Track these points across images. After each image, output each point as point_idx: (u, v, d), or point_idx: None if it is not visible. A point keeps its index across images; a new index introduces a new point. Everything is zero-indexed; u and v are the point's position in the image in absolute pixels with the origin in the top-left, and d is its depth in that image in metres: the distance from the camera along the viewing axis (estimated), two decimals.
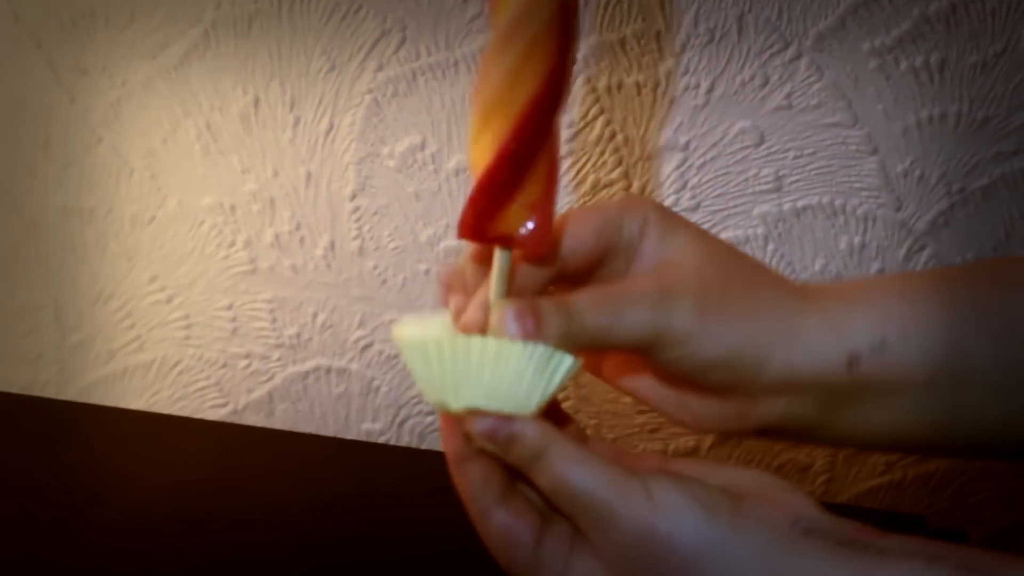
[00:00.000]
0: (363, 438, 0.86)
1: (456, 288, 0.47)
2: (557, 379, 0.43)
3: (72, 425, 0.78)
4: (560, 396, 0.71)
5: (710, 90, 0.71)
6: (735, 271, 0.48)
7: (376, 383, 0.84)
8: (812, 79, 0.70)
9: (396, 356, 0.83)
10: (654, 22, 0.69)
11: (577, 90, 0.71)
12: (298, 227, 0.79)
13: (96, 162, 0.79)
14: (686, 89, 0.71)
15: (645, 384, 0.51)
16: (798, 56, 0.69)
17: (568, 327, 0.43)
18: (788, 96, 0.71)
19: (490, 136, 0.42)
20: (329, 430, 0.86)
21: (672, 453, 0.84)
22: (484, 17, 0.71)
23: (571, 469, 0.42)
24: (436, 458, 0.81)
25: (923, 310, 0.47)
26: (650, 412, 0.82)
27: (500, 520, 0.44)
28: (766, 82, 0.70)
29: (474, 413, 0.43)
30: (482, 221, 0.42)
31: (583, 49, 0.70)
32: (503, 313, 0.43)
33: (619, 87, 0.71)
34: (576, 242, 0.46)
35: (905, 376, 0.46)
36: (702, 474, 0.44)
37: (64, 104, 0.77)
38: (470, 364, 0.42)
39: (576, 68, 0.66)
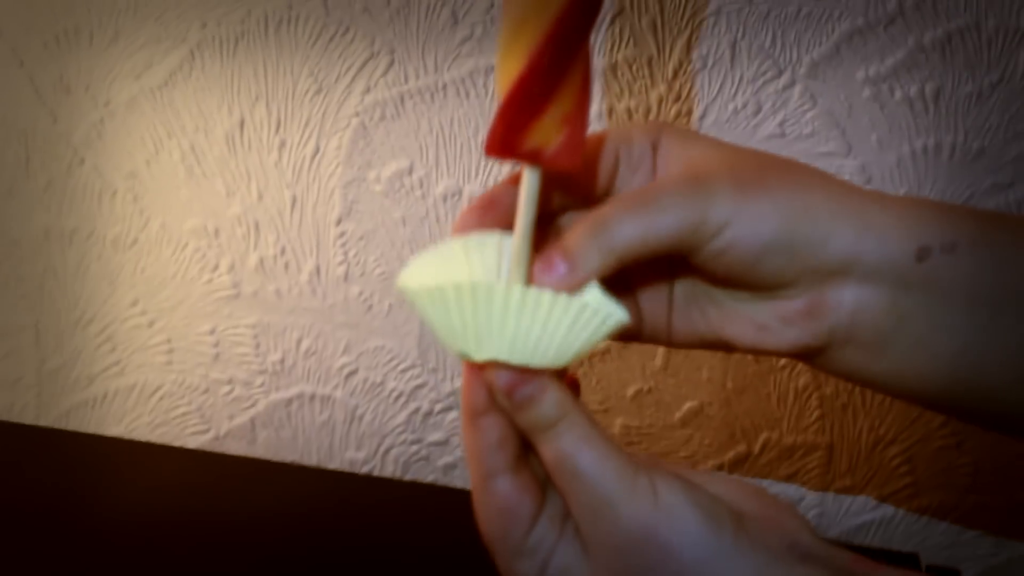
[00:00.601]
0: (346, 467, 0.85)
1: (490, 211, 0.44)
2: (594, 334, 0.40)
3: (50, 452, 0.76)
4: None
5: (702, 117, 0.70)
6: (771, 159, 0.45)
7: (360, 411, 0.82)
8: (805, 107, 0.69)
9: (381, 384, 0.81)
10: (645, 48, 0.68)
11: None
12: (283, 252, 0.77)
13: (78, 183, 0.77)
14: (678, 116, 0.70)
15: (700, 315, 0.48)
16: (791, 84, 0.68)
17: (604, 246, 0.40)
18: (781, 124, 0.69)
19: (522, 45, 0.39)
20: (312, 458, 0.85)
21: None
22: (474, 40, 0.69)
23: (581, 448, 0.40)
24: (419, 490, 0.80)
25: (994, 229, 0.43)
26: (638, 442, 0.80)
27: (503, 489, 0.42)
28: (759, 110, 0.69)
29: (495, 365, 0.40)
30: (511, 135, 0.39)
31: None
32: (542, 257, 0.40)
33: (610, 113, 0.70)
34: (589, 163, 0.44)
35: (972, 290, 0.42)
36: (702, 481, 0.42)
37: (46, 123, 0.76)
38: (492, 313, 0.39)
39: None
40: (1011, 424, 0.46)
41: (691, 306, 0.48)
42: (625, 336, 0.48)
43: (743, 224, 0.42)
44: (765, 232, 0.42)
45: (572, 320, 0.39)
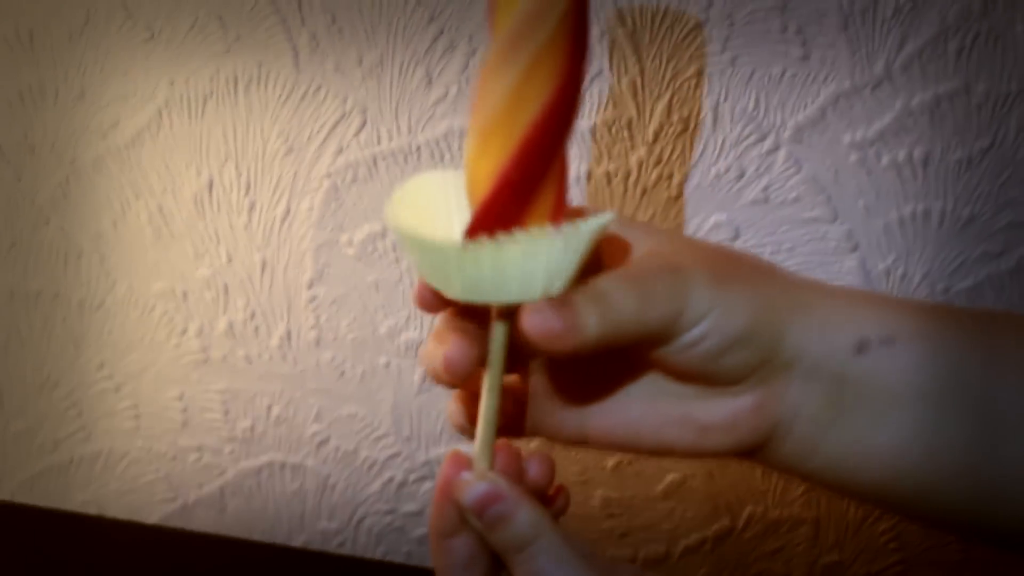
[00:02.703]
0: (318, 538, 0.81)
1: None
2: (586, 249, 0.38)
3: (10, 527, 0.73)
4: None
5: (684, 181, 0.66)
6: (724, 251, 0.44)
7: (332, 480, 0.78)
8: (790, 172, 0.66)
9: (354, 452, 0.77)
10: (625, 110, 0.65)
11: None
12: (253, 316, 0.74)
13: (43, 244, 0.74)
14: (659, 180, 0.66)
15: (641, 415, 0.46)
16: (776, 148, 0.65)
17: (607, 316, 0.39)
18: (765, 189, 0.66)
19: (489, 162, 0.37)
20: (283, 528, 0.81)
21: (642, 560, 0.79)
22: (448, 101, 0.66)
23: (556, 572, 0.38)
24: (389, 571, 0.76)
25: (933, 323, 0.43)
26: (619, 515, 0.77)
27: None
28: (742, 174, 0.66)
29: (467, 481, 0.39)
30: None
31: None
32: (535, 306, 0.38)
33: (588, 177, 0.67)
34: None
35: (910, 384, 0.42)
36: None
37: (10, 182, 0.72)
38: (481, 270, 0.37)
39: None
40: (954, 522, 0.45)
41: (616, 404, 0.46)
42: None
43: (717, 317, 0.41)
44: (735, 327, 0.41)
45: (567, 248, 0.37)
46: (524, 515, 0.39)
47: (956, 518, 0.44)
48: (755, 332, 0.41)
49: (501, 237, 0.36)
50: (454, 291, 0.38)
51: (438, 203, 0.42)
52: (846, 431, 0.43)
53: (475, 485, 0.40)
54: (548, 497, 0.45)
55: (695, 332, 0.41)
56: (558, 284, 0.38)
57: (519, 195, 0.37)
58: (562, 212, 0.39)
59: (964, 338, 0.43)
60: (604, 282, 0.40)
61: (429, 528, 0.41)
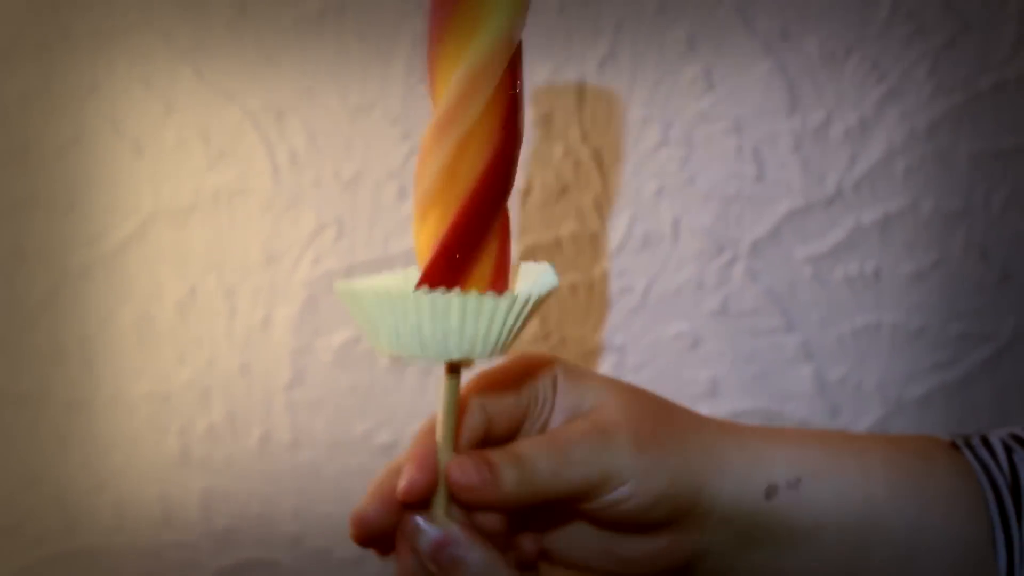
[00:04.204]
0: None
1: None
2: (528, 313, 0.40)
3: None
4: None
5: (645, 293, 0.68)
6: (656, 408, 0.46)
7: None
8: (747, 285, 0.68)
9: (330, 550, 0.78)
10: (588, 224, 0.67)
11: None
12: (232, 417, 0.75)
13: (32, 346, 0.76)
14: (621, 291, 0.68)
15: (567, 546, 0.48)
16: (733, 261, 0.67)
17: (525, 479, 0.41)
18: (724, 301, 0.68)
19: (429, 232, 0.39)
20: None
21: None
22: None
23: None
24: None
25: (838, 459, 0.46)
26: None
27: None
28: (701, 286, 0.68)
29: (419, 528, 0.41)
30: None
31: (520, 244, 0.68)
32: (459, 461, 0.40)
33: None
34: (500, 403, 0.44)
35: (818, 519, 0.45)
36: None
37: (1, 287, 0.74)
38: (424, 326, 0.39)
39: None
40: None
41: (547, 536, 0.48)
42: None
43: (639, 481, 0.43)
44: (655, 489, 0.43)
45: (509, 312, 0.39)
46: (477, 557, 0.40)
47: None
48: (674, 493, 0.44)
49: (446, 293, 0.38)
50: (399, 348, 0.40)
51: (388, 286, 0.44)
52: (756, 560, 0.46)
53: (429, 531, 0.41)
54: (508, 540, 0.46)
55: (616, 494, 0.43)
56: (500, 344, 0.40)
57: (459, 260, 0.39)
58: (504, 276, 0.41)
59: (867, 471, 0.45)
60: (526, 446, 0.42)
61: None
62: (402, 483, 0.41)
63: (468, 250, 0.39)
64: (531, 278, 0.43)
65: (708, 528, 0.45)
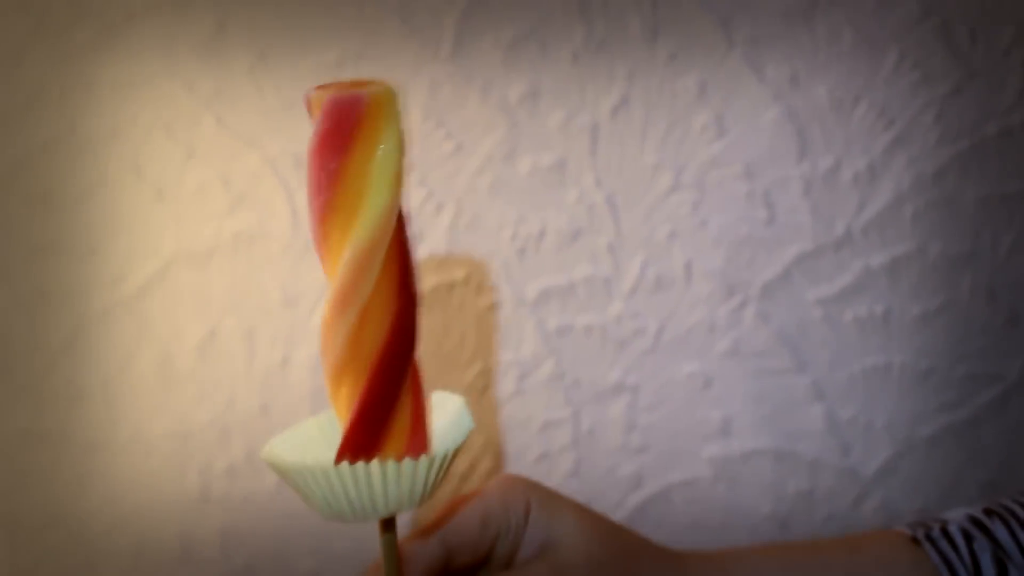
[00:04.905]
0: None
1: None
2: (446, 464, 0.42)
3: None
4: None
5: (658, 334, 0.69)
6: (619, 547, 0.47)
7: None
8: (758, 326, 0.68)
9: None
10: (601, 267, 0.68)
11: (526, 331, 0.69)
12: (251, 457, 0.76)
13: (53, 387, 0.76)
14: (634, 333, 0.69)
15: None
16: (744, 304, 0.68)
17: None
18: (735, 342, 0.69)
19: (344, 398, 0.41)
20: None
21: None
22: (434, 259, 0.70)
23: None
24: None
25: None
26: None
27: None
28: (713, 328, 0.69)
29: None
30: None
31: (534, 287, 0.69)
32: None
33: (568, 329, 0.70)
34: (462, 535, 0.45)
35: None
36: None
37: (24, 329, 0.75)
38: (349, 493, 0.41)
39: (527, 308, 0.65)
40: None
41: None
42: None
43: None
44: None
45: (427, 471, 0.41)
46: None
47: None
48: None
49: (365, 464, 0.40)
50: (330, 512, 0.42)
51: (317, 440, 0.46)
52: None
53: None
54: None
55: None
56: (426, 495, 0.42)
57: (375, 428, 0.41)
58: (421, 432, 0.43)
59: None
60: None
61: None
62: None
63: (382, 414, 0.41)
64: (446, 417, 0.45)
65: None
